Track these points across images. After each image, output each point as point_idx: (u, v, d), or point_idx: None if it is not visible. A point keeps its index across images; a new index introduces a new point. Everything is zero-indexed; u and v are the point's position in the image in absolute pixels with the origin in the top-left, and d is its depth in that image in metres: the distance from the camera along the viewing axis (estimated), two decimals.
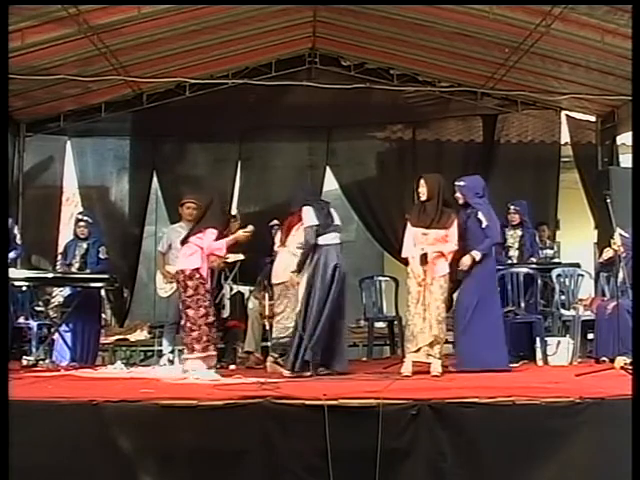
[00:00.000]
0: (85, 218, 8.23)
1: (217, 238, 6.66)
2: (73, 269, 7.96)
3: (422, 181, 6.72)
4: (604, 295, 7.85)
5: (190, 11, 8.02)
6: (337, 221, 7.01)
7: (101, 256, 8.04)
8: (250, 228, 7.07)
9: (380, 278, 9.49)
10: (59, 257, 8.86)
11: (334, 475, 4.61)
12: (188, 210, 7.89)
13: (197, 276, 6.58)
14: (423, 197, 6.70)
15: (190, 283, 6.56)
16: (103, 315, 9.96)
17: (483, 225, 6.79)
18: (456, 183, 7.03)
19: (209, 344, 6.56)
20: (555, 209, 10.58)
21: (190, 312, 6.56)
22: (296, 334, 6.74)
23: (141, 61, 9.08)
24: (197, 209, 7.51)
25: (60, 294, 8.35)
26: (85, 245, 8.03)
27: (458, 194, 6.95)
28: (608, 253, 7.75)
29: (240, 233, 6.93)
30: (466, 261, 6.73)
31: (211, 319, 6.62)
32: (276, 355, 7.17)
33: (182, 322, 6.71)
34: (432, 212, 6.64)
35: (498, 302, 7.00)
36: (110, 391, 5.45)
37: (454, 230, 6.63)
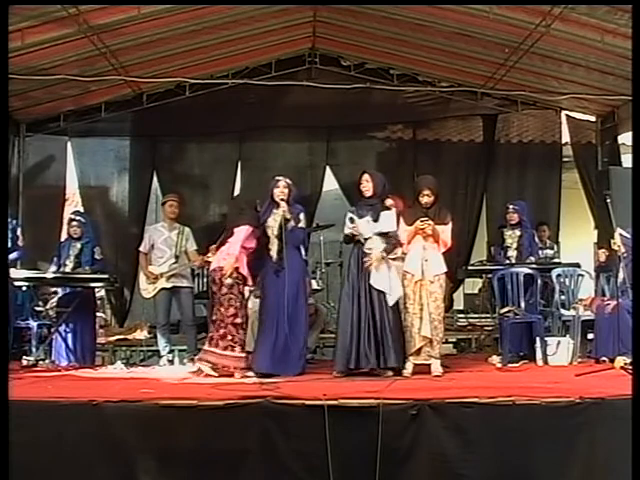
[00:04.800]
0: (77, 218, 8.14)
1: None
2: (67, 269, 7.91)
3: (427, 191, 6.66)
4: (604, 295, 7.84)
5: (190, 11, 8.01)
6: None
7: (96, 257, 7.99)
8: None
9: None
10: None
11: (334, 475, 4.61)
12: (170, 208, 8.03)
13: (235, 275, 6.68)
14: (428, 205, 6.68)
15: (226, 281, 6.66)
16: (103, 315, 9.97)
17: (300, 224, 6.85)
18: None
19: (234, 344, 6.63)
20: (557, 209, 10.57)
21: (221, 309, 6.68)
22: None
23: (141, 61, 9.07)
24: (179, 207, 8.07)
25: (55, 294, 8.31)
26: (79, 245, 7.98)
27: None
28: (601, 256, 7.79)
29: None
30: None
31: (239, 320, 6.69)
32: None
33: (213, 318, 6.84)
34: (434, 211, 6.66)
35: (304, 304, 6.84)
36: (110, 391, 5.46)
37: (450, 226, 6.68)
